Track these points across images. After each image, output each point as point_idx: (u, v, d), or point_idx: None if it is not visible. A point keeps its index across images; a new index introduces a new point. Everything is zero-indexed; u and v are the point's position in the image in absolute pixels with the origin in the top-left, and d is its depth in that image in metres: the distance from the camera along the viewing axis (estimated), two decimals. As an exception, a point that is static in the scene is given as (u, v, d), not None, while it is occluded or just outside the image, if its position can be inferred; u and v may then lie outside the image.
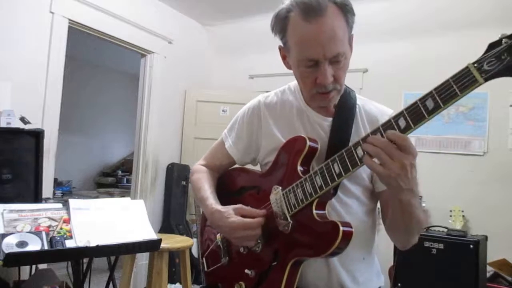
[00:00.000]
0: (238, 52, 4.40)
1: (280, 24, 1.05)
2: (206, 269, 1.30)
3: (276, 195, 1.08)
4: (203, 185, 1.26)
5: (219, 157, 1.33)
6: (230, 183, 1.30)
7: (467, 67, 0.78)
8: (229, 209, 1.11)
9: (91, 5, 3.23)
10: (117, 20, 3.48)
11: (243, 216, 1.08)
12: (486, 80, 0.77)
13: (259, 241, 1.10)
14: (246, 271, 1.12)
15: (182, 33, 4.20)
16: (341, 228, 0.94)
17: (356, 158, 0.91)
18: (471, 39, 3.02)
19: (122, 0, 3.53)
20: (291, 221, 1.03)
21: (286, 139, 1.13)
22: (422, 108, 0.82)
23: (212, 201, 1.19)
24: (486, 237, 2.86)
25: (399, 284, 2.89)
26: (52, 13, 2.97)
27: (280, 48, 1.12)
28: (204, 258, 1.32)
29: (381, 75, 3.62)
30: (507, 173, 3.08)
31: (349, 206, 1.11)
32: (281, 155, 1.13)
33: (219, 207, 1.15)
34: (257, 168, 1.29)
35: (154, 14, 3.88)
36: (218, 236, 1.25)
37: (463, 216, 3.07)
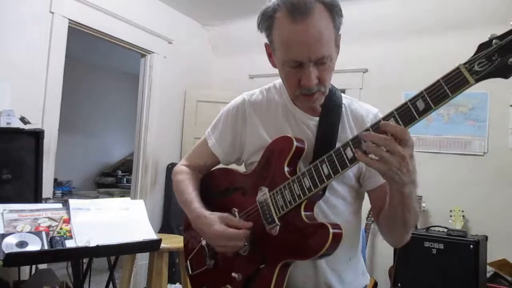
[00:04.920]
0: (238, 52, 4.40)
1: (266, 23, 1.03)
2: (190, 273, 1.26)
3: (263, 196, 1.06)
4: (187, 187, 1.22)
5: (202, 157, 1.29)
6: (214, 184, 1.26)
7: (458, 67, 0.77)
8: (215, 216, 1.09)
9: (91, 5, 3.23)
10: (117, 20, 3.48)
11: (228, 226, 1.06)
12: (477, 81, 0.76)
13: (246, 243, 1.07)
14: (233, 274, 1.09)
15: (182, 33, 4.20)
16: (331, 230, 0.93)
17: (346, 160, 0.90)
18: (471, 39, 3.00)
19: (122, 0, 3.53)
20: (279, 223, 1.02)
21: (272, 139, 1.11)
22: (412, 109, 0.81)
23: (197, 205, 1.16)
24: (486, 237, 2.86)
25: (399, 284, 2.89)
26: (52, 13, 2.97)
27: (266, 46, 1.10)
28: (188, 261, 1.28)
29: (381, 75, 3.61)
30: (507, 173, 3.08)
31: (335, 207, 1.10)
32: (267, 155, 1.11)
33: (205, 212, 1.12)
34: (242, 167, 1.27)
35: (154, 14, 3.88)
36: (203, 238, 1.21)
37: (463, 216, 3.07)
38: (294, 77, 1.02)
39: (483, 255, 2.74)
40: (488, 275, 2.85)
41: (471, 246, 2.68)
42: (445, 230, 2.90)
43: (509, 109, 3.09)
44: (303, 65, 0.99)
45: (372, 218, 3.22)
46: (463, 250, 2.69)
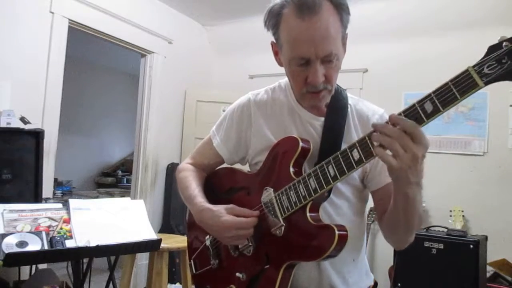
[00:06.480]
0: (238, 52, 4.40)
1: (273, 20, 1.03)
2: (194, 272, 1.26)
3: (268, 197, 1.06)
4: (191, 183, 1.22)
5: (207, 156, 1.29)
6: (219, 183, 1.26)
7: (467, 70, 0.76)
8: (220, 208, 1.08)
9: (91, 5, 3.23)
10: (117, 20, 3.48)
11: (236, 215, 1.05)
12: (486, 84, 0.75)
13: (250, 244, 1.07)
14: (237, 274, 1.08)
15: (182, 33, 4.20)
16: (337, 232, 0.92)
17: (352, 161, 0.89)
18: (471, 39, 3.02)
19: (122, 0, 3.53)
20: (284, 224, 1.01)
21: (277, 139, 1.10)
22: (420, 111, 0.80)
23: (201, 199, 1.15)
24: (486, 237, 2.86)
25: (399, 284, 2.89)
26: (52, 13, 2.97)
27: (272, 44, 1.10)
28: (192, 260, 1.28)
29: (381, 75, 3.61)
30: (507, 173, 3.08)
31: (339, 208, 1.09)
32: (272, 155, 1.10)
33: (209, 205, 1.12)
34: (246, 167, 1.26)
35: (154, 14, 3.88)
36: (207, 238, 1.22)
37: (463, 216, 3.07)
38: (301, 74, 1.02)
39: (483, 255, 2.74)
40: (488, 275, 2.85)
41: (471, 246, 2.68)
42: (445, 230, 2.90)
43: (509, 109, 3.09)
44: (310, 63, 0.98)
45: (372, 218, 3.23)
46: (463, 250, 2.69)
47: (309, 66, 0.99)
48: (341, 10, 0.99)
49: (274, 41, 1.08)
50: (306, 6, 0.95)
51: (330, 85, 1.04)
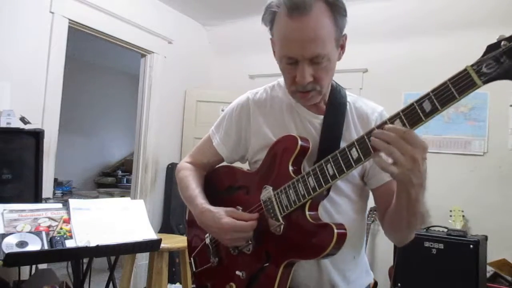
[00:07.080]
0: (238, 52, 4.40)
1: (269, 17, 1.05)
2: (194, 270, 1.27)
3: (267, 195, 1.06)
4: (190, 183, 1.22)
5: (206, 155, 1.29)
6: (218, 182, 1.26)
7: (465, 69, 0.76)
8: (220, 210, 1.09)
9: (91, 5, 3.23)
10: (117, 20, 3.48)
11: (235, 219, 1.06)
12: (485, 83, 0.75)
13: (250, 242, 1.07)
14: (237, 272, 1.09)
15: (182, 33, 4.20)
16: (336, 231, 0.92)
17: (351, 160, 0.89)
18: (471, 39, 3.02)
19: (122, 0, 3.53)
20: (283, 223, 1.01)
21: (277, 137, 1.11)
22: (419, 110, 0.80)
23: (202, 200, 1.16)
24: (486, 237, 2.86)
25: (399, 284, 2.89)
26: (52, 13, 2.97)
27: (270, 40, 1.11)
28: (192, 258, 1.29)
29: (381, 75, 3.61)
30: (507, 173, 3.08)
31: (339, 206, 1.09)
32: (271, 154, 1.11)
33: (209, 207, 1.12)
34: (246, 166, 1.27)
35: (154, 14, 3.88)
36: (207, 236, 1.22)
37: (463, 216, 3.07)
38: (290, 73, 1.03)
39: (483, 255, 2.74)
40: (488, 275, 2.85)
41: (471, 246, 2.68)
42: (445, 230, 2.90)
43: (509, 109, 3.09)
44: (298, 62, 0.99)
45: (372, 218, 3.23)
46: (463, 250, 2.69)
47: (297, 65, 1.00)
48: (336, 11, 0.98)
49: (271, 37, 1.09)
50: (296, 6, 0.95)
51: (319, 86, 1.04)
